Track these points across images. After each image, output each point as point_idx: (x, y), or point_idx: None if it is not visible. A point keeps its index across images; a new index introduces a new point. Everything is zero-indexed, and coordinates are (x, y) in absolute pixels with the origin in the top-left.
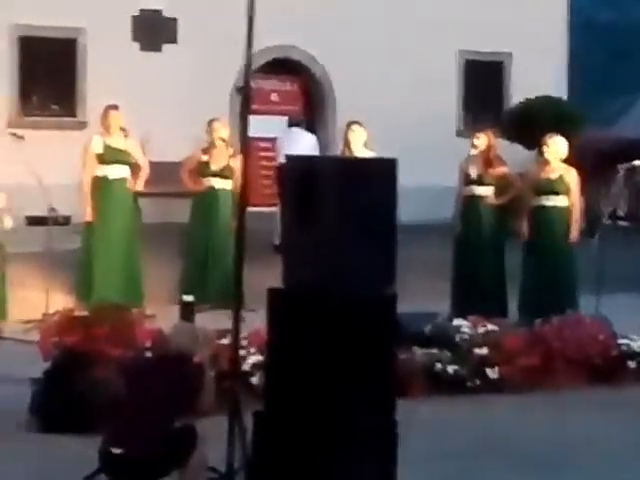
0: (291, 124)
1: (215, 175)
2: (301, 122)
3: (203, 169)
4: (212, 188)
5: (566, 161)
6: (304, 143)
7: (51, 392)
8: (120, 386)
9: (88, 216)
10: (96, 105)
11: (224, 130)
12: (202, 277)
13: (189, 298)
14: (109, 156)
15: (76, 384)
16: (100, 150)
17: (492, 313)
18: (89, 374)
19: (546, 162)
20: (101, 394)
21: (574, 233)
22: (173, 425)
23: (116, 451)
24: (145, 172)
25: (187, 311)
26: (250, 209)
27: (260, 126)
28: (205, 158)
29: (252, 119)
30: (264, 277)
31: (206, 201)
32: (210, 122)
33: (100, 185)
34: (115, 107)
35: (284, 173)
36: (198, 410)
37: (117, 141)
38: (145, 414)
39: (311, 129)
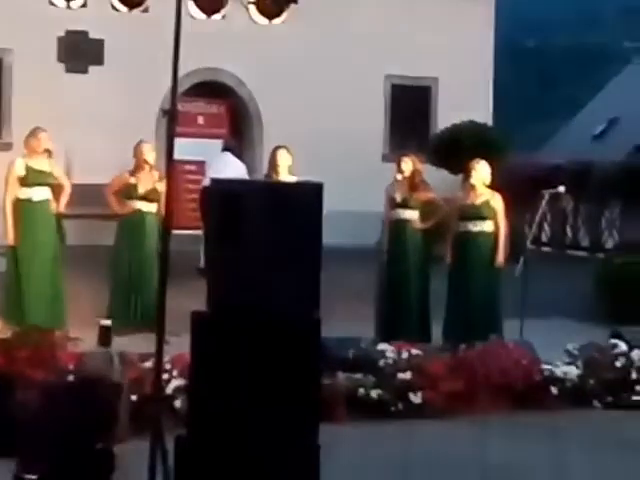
0: (225, 148)
1: (141, 198)
2: (234, 148)
3: (130, 191)
4: (139, 211)
5: (490, 186)
6: (233, 169)
7: None
8: (37, 409)
9: (10, 240)
10: (21, 126)
11: (151, 154)
12: (127, 300)
13: (106, 322)
14: (32, 178)
15: None
16: (23, 172)
17: (416, 338)
18: (10, 397)
19: (472, 187)
20: (19, 417)
21: (500, 258)
22: (90, 450)
23: (30, 477)
24: (67, 193)
25: (104, 335)
26: (175, 232)
27: (186, 149)
28: (133, 180)
29: (178, 142)
30: (188, 300)
31: (132, 224)
32: (138, 144)
33: (23, 207)
34: (43, 129)
35: (209, 196)
36: (116, 435)
37: (40, 163)
38: (61, 438)
39: (240, 156)
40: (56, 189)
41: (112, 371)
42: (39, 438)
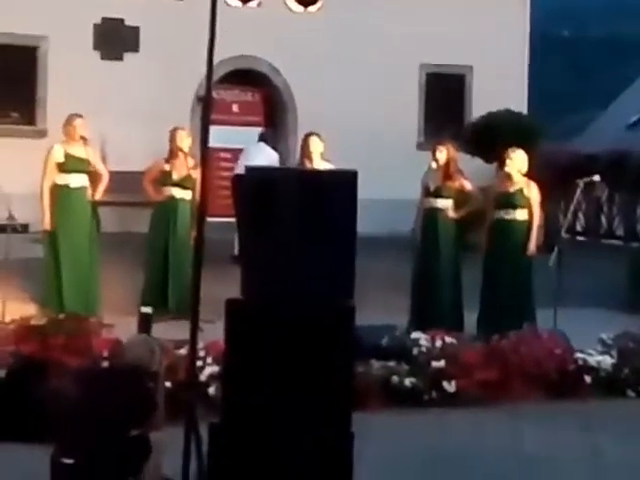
0: (260, 139)
1: (176, 185)
2: (269, 139)
3: (164, 178)
4: (172, 198)
5: (526, 175)
6: (265, 157)
7: (5, 401)
8: (74, 396)
9: (47, 225)
10: (56, 113)
11: (187, 140)
12: (162, 287)
13: (146, 310)
14: (70, 165)
15: (31, 393)
16: (61, 159)
17: (449, 326)
18: (44, 383)
19: (507, 176)
20: (55, 403)
21: (532, 247)
22: (126, 436)
23: (67, 461)
24: (105, 181)
25: (144, 323)
26: (209, 219)
27: (221, 137)
28: (167, 167)
29: (213, 129)
30: (222, 288)
31: (165, 211)
32: (173, 131)
33: (61, 193)
34: (79, 116)
35: (243, 184)
36: (153, 423)
37: (78, 150)
38: (98, 424)
39: (275, 146)
40: (93, 176)
41: (153, 359)
42: (76, 424)
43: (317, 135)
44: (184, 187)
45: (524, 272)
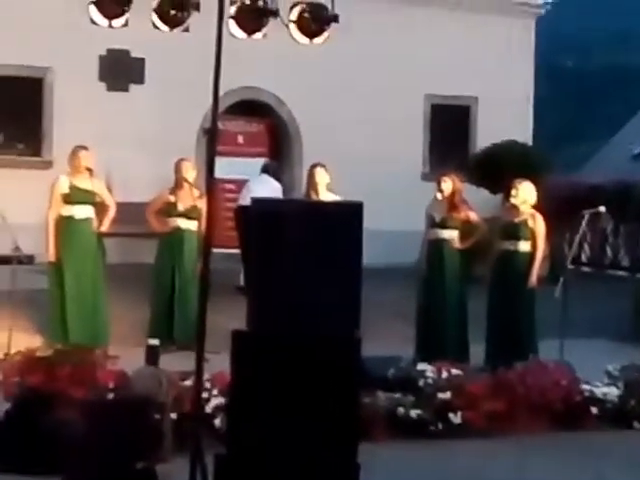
0: (264, 170)
1: (181, 215)
2: (272, 170)
3: (170, 209)
4: (178, 229)
5: (533, 206)
6: (269, 189)
7: (12, 432)
8: (80, 427)
9: (51, 256)
10: (62, 145)
11: (191, 172)
12: (168, 318)
13: (154, 342)
14: (75, 196)
15: (37, 424)
16: (66, 190)
17: (454, 357)
18: (51, 415)
19: (513, 207)
20: (62, 435)
21: (533, 278)
22: (132, 468)
23: None
24: (112, 212)
25: (152, 355)
26: (215, 250)
27: (226, 168)
28: (172, 198)
29: (218, 160)
30: (228, 319)
31: (172, 241)
32: (178, 162)
33: (66, 225)
34: (84, 147)
35: (249, 215)
36: (159, 455)
37: (83, 181)
38: (104, 456)
39: (279, 177)
40: (99, 208)
41: (161, 391)
42: (82, 456)
43: (323, 166)
44: (190, 218)
45: (526, 303)
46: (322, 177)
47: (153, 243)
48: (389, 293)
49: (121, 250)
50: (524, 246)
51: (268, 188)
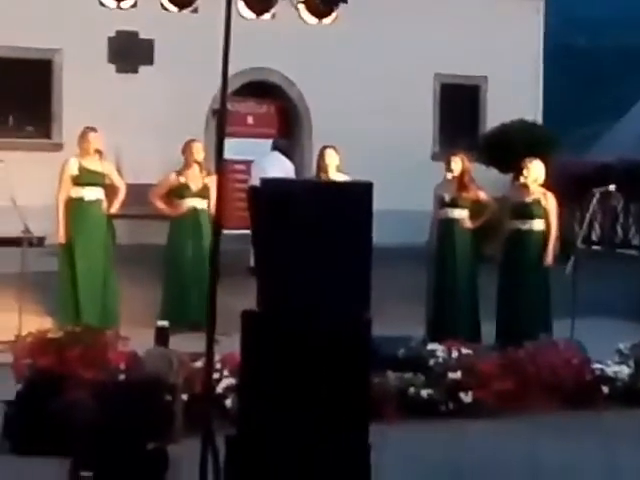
0: (274, 148)
1: (195, 195)
2: (283, 148)
3: (182, 190)
4: (194, 209)
5: (542, 185)
6: (280, 169)
7: (23, 414)
8: (92, 408)
9: (61, 238)
10: (71, 127)
11: (201, 153)
12: (183, 299)
13: (163, 323)
14: (85, 178)
15: (49, 406)
16: (76, 172)
17: (465, 337)
18: (62, 396)
19: (524, 186)
20: (73, 416)
21: (549, 257)
22: (144, 448)
23: (85, 474)
24: (122, 194)
25: (161, 336)
26: (225, 231)
27: (235, 149)
28: (183, 179)
29: (227, 141)
30: (239, 300)
31: (188, 222)
32: (187, 143)
33: (75, 206)
34: (93, 129)
35: (258, 195)
36: (170, 435)
37: (93, 163)
38: (115, 437)
39: (290, 155)
40: (109, 189)
41: (171, 372)
42: (94, 437)
43: (333, 148)
44: (202, 197)
45: (542, 283)
46: (332, 158)
47: (163, 224)
48: (399, 273)
49: (131, 231)
50: (538, 225)
51: (280, 166)
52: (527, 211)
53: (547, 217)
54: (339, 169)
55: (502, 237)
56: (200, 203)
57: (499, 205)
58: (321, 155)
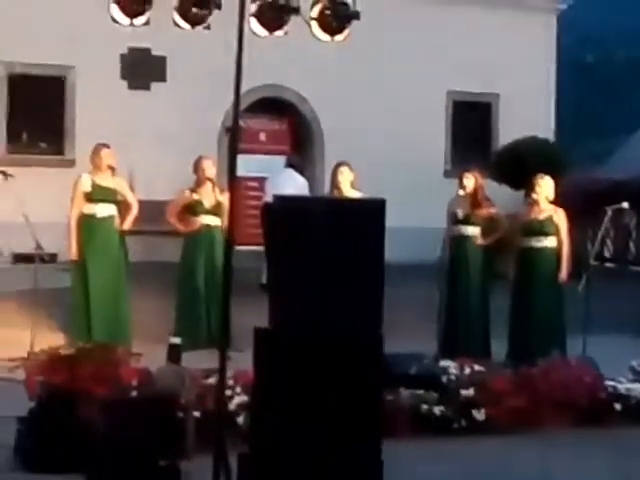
0: (288, 165)
1: (208, 212)
2: (297, 164)
3: (196, 207)
4: (207, 226)
5: (553, 202)
6: (294, 185)
7: (35, 431)
8: (104, 425)
9: (74, 255)
10: (84, 143)
11: (212, 169)
12: (197, 316)
13: (176, 340)
14: (97, 194)
15: (61, 423)
16: (88, 188)
17: (476, 354)
18: (74, 413)
19: (535, 203)
20: (85, 433)
21: (564, 274)
22: (156, 465)
23: None
24: (134, 211)
25: (174, 353)
26: (238, 248)
27: (248, 165)
28: (196, 196)
29: (240, 158)
30: (251, 316)
31: (201, 239)
32: (198, 160)
33: (87, 223)
34: (106, 145)
35: (271, 212)
36: (182, 452)
37: (106, 179)
38: (127, 454)
39: (303, 172)
40: (122, 206)
41: (183, 389)
42: (106, 454)
43: (347, 165)
44: (215, 214)
45: (556, 300)
46: (346, 176)
47: (176, 241)
48: (412, 290)
49: (144, 248)
50: (550, 242)
51: (293, 183)
52: (539, 228)
53: (559, 234)
54: (353, 186)
55: (514, 254)
56: (213, 220)
57: (510, 222)
58: (335, 172)
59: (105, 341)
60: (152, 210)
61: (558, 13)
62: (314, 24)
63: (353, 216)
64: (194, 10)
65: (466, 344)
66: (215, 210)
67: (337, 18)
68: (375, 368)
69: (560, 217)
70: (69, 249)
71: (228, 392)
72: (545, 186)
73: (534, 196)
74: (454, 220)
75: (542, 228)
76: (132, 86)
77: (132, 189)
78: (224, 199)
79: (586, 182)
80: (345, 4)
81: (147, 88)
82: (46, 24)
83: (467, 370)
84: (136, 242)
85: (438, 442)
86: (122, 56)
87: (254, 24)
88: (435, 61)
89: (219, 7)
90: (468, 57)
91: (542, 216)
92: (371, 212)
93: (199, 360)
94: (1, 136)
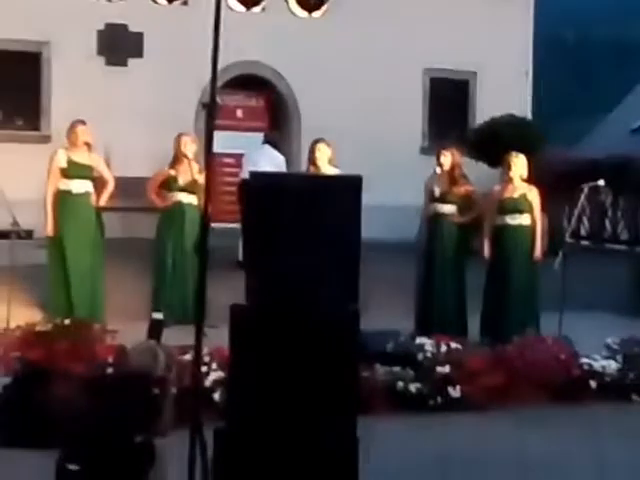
0: (265, 141)
1: (182, 190)
2: (275, 141)
3: (170, 184)
4: (179, 203)
5: (527, 180)
6: (271, 162)
7: (11, 407)
8: (79, 402)
9: (50, 231)
10: (60, 119)
11: (192, 146)
12: (170, 293)
13: (159, 316)
14: (73, 170)
15: (36, 399)
16: (64, 164)
17: (452, 331)
18: (50, 389)
19: (509, 181)
20: (61, 409)
21: (538, 251)
22: (131, 442)
23: (73, 467)
24: (110, 187)
25: (155, 329)
26: (214, 225)
27: (225, 142)
28: (172, 172)
29: (217, 135)
30: (227, 293)
31: (173, 216)
32: (178, 136)
33: (63, 199)
34: (82, 122)
35: (248, 189)
36: (158, 429)
37: (81, 156)
38: (103, 430)
39: (280, 149)
40: (98, 182)
41: (157, 365)
42: (81, 430)
43: (324, 142)
44: (190, 192)
45: (531, 277)
46: (324, 152)
47: (153, 217)
48: (388, 268)
49: (120, 224)
50: (525, 219)
51: (270, 160)
52: (513, 206)
53: (532, 212)
54: (331, 162)
55: (486, 231)
56: (187, 197)
57: (486, 200)
58: (312, 148)
59: (84, 316)
60: (128, 186)
61: None
62: (292, 0)
63: (329, 193)
64: None
65: (442, 322)
66: (190, 187)
67: None
68: (351, 344)
69: (533, 195)
70: (45, 225)
71: (204, 368)
72: (519, 164)
73: (510, 174)
74: (431, 198)
75: (516, 206)
76: (109, 62)
77: (108, 165)
78: (201, 178)
79: (563, 160)
80: None
81: (124, 64)
82: None
83: (443, 347)
84: (113, 218)
85: (414, 419)
86: (99, 32)
87: (231, 0)
88: (412, 38)
89: None
90: (445, 34)
91: (516, 194)
92: (347, 189)
93: (176, 336)
94: None
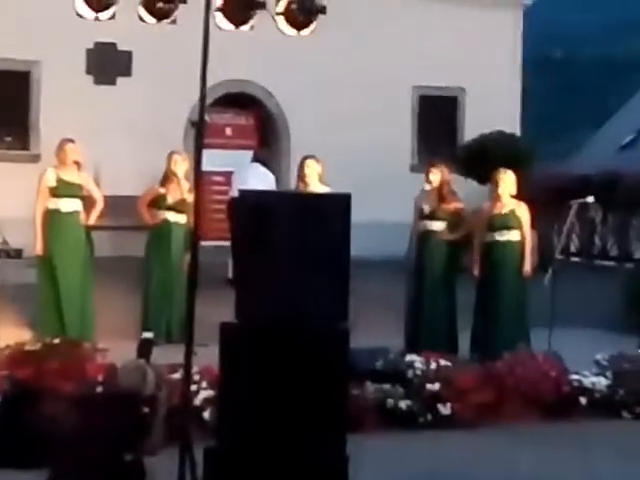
0: (255, 159)
1: (170, 208)
2: (264, 159)
3: (159, 202)
4: (166, 221)
5: (516, 197)
6: (261, 180)
7: (0, 426)
8: (69, 421)
9: (39, 250)
10: (50, 138)
11: (182, 164)
12: (159, 311)
13: (148, 335)
14: (62, 189)
15: (26, 419)
16: (53, 183)
17: (443, 349)
18: (39, 409)
19: (498, 197)
20: (50, 429)
21: (527, 267)
22: (121, 460)
23: None
24: (99, 206)
25: (145, 348)
26: (203, 243)
27: (214, 160)
28: (162, 191)
29: (206, 153)
30: (217, 311)
31: (160, 234)
32: (170, 154)
33: (52, 218)
34: (71, 140)
35: (238, 207)
36: (147, 447)
37: (71, 174)
38: (92, 449)
39: (269, 167)
40: (87, 201)
41: (146, 384)
42: (71, 449)
43: (314, 158)
44: (178, 210)
45: (521, 293)
46: (313, 169)
47: (142, 236)
48: (378, 285)
49: (110, 243)
50: (514, 236)
51: (260, 178)
52: (502, 222)
53: (522, 228)
54: (321, 180)
55: (475, 248)
56: (174, 216)
57: (475, 217)
58: (302, 165)
59: (74, 336)
60: (118, 205)
61: (524, 8)
62: (280, 19)
63: (319, 211)
64: (159, 4)
65: (432, 339)
66: (179, 206)
67: (303, 12)
68: (341, 362)
69: (522, 211)
70: (35, 244)
71: (194, 387)
72: (507, 181)
73: (499, 190)
74: (420, 215)
75: (505, 222)
76: (98, 81)
77: (97, 184)
78: (191, 197)
79: (552, 177)
80: None
81: (113, 83)
82: (11, 18)
83: (433, 365)
84: (102, 237)
85: (404, 436)
86: (88, 51)
87: (220, 19)
88: (401, 55)
89: (184, 1)
90: (434, 52)
91: (505, 210)
92: (337, 207)
93: (166, 355)
94: None
